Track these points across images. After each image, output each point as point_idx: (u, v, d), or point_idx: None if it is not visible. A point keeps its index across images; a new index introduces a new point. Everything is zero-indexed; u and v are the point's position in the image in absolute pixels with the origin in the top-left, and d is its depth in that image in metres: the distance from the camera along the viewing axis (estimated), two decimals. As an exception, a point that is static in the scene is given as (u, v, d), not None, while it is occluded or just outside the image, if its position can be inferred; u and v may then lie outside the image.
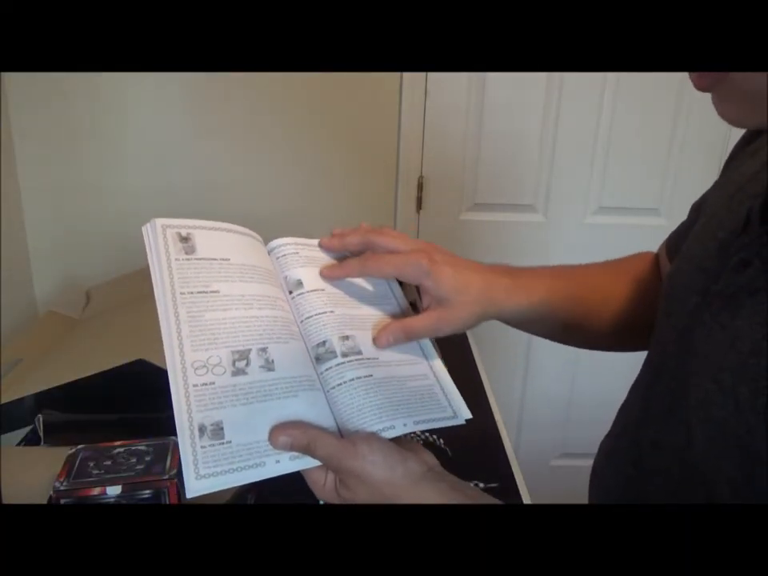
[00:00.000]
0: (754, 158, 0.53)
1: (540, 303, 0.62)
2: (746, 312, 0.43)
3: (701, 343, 0.47)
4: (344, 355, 0.54)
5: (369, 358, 0.55)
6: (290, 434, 0.49)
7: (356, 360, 0.54)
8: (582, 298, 0.66)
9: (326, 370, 0.53)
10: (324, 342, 0.54)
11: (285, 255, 0.61)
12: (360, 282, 0.62)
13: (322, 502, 0.79)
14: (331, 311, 0.57)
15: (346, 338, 0.55)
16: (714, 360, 0.44)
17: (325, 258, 0.62)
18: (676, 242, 0.64)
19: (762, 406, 0.39)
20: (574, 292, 0.65)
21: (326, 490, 0.54)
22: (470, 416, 0.56)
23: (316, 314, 0.56)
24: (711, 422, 0.44)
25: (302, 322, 0.56)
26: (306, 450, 0.50)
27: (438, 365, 0.59)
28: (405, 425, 0.52)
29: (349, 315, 0.57)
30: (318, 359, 0.54)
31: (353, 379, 0.52)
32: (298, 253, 0.61)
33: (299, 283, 0.58)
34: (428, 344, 0.60)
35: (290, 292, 0.58)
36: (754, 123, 0.43)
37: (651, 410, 0.53)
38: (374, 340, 0.57)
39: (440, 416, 0.55)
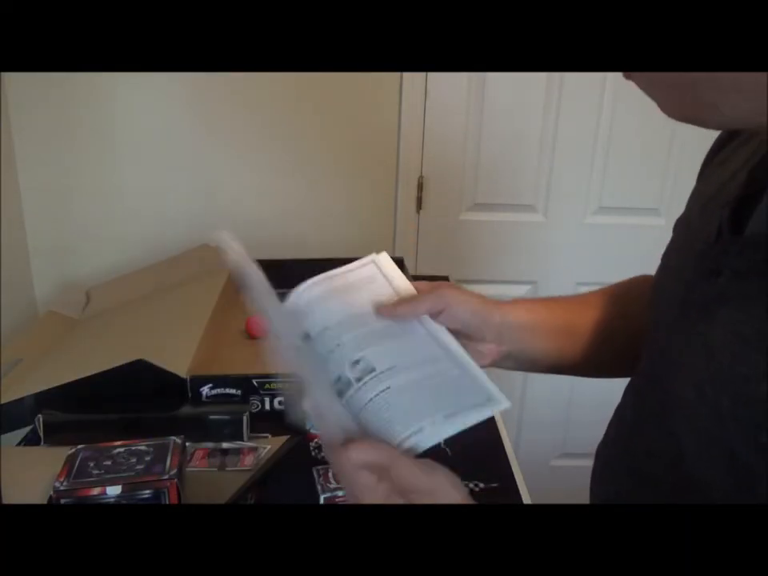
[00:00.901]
0: (723, 166, 0.54)
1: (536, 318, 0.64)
2: (719, 322, 0.43)
3: (682, 354, 0.47)
4: (358, 380, 0.53)
5: (384, 371, 0.53)
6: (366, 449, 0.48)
7: (370, 379, 0.53)
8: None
9: (347, 401, 0.53)
10: (339, 377, 0.54)
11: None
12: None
13: (322, 501, 0.79)
14: (337, 345, 0.56)
15: (356, 362, 0.54)
16: (694, 371, 0.45)
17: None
18: None
19: (742, 415, 0.40)
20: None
21: (377, 491, 0.52)
22: (508, 403, 0.52)
23: (327, 352, 0.56)
24: (698, 432, 0.44)
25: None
26: (382, 468, 0.50)
27: (461, 353, 0.56)
28: (433, 422, 0.51)
29: (356, 336, 0.57)
30: (340, 394, 0.54)
31: (371, 399, 0.51)
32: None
33: (306, 335, 0.59)
34: (444, 334, 0.58)
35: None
36: (689, 116, 0.45)
37: (643, 418, 0.53)
38: (378, 309, 0.58)
39: (472, 402, 0.53)
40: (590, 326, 0.67)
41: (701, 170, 0.60)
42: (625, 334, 0.65)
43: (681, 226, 0.58)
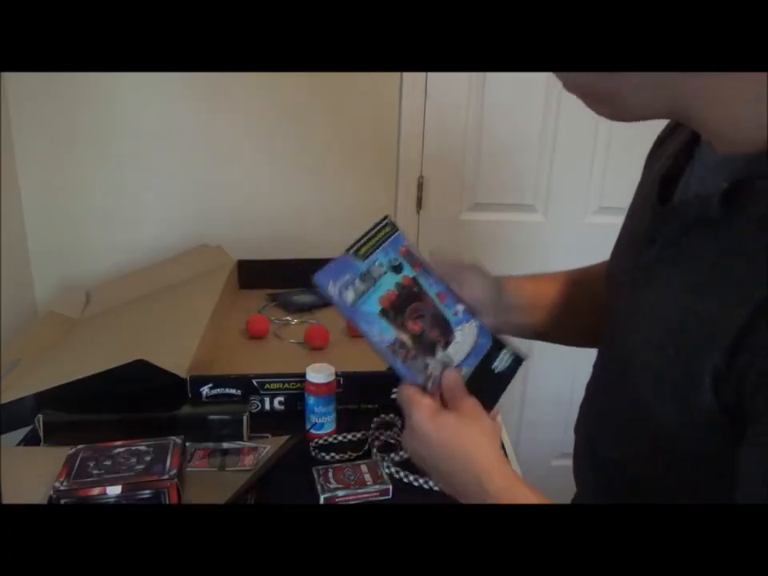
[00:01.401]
0: (661, 155, 0.62)
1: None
2: (659, 282, 0.52)
3: (632, 314, 0.56)
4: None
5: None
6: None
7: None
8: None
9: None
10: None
11: None
12: None
13: (322, 501, 0.79)
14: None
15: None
16: (643, 326, 0.53)
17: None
18: None
19: (684, 359, 0.48)
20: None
21: (428, 407, 0.60)
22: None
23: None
24: (651, 377, 0.52)
25: None
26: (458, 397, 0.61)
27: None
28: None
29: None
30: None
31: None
32: None
33: None
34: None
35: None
36: (611, 114, 0.54)
37: (607, 374, 0.63)
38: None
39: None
40: (560, 301, 0.78)
41: (646, 161, 0.68)
42: (590, 309, 0.73)
43: (629, 210, 0.67)
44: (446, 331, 0.66)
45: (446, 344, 0.66)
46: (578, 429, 0.71)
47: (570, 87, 0.56)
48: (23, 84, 1.50)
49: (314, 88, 1.58)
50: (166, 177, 1.62)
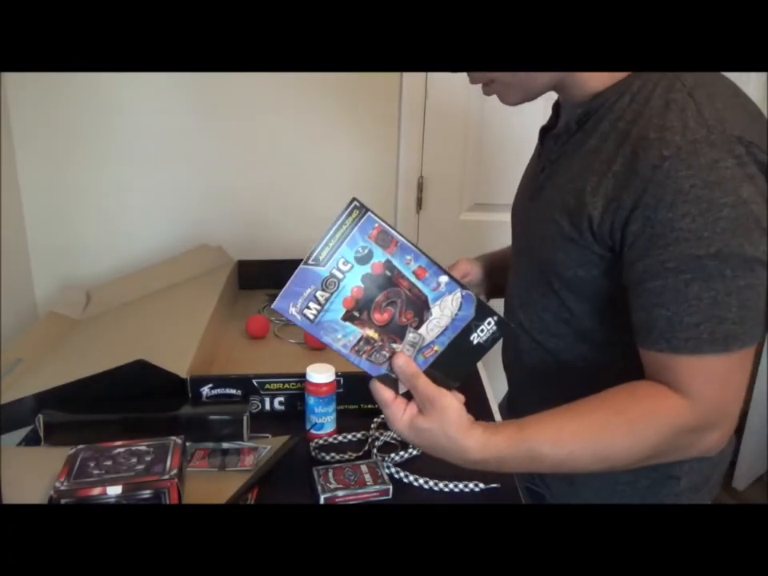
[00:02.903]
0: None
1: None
2: (549, 186, 0.78)
3: (523, 228, 0.86)
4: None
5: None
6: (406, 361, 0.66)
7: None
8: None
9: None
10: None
11: None
12: None
13: (322, 501, 0.79)
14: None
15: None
16: (528, 234, 0.83)
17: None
18: None
19: (561, 239, 0.73)
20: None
21: (402, 420, 0.67)
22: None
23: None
24: (554, 247, 0.75)
25: None
26: (411, 378, 0.66)
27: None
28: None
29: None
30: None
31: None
32: None
33: None
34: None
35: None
36: (523, 99, 0.78)
37: (512, 274, 0.89)
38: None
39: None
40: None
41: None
42: None
43: (524, 173, 0.94)
44: (420, 310, 0.66)
45: (420, 323, 0.66)
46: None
47: (478, 80, 0.78)
48: (23, 84, 1.50)
49: (314, 88, 1.58)
50: (166, 177, 1.62)
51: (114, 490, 0.71)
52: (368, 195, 1.68)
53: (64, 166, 1.58)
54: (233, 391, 0.98)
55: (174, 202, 1.64)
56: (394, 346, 0.66)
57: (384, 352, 0.66)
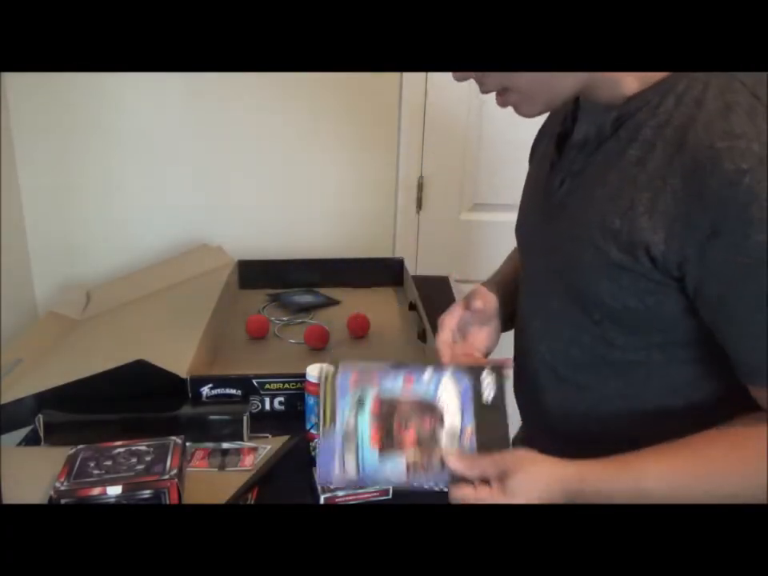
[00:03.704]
0: (542, 142, 0.83)
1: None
2: (575, 207, 0.68)
3: (537, 250, 0.76)
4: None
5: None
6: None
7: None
8: None
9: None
10: None
11: None
12: None
13: (322, 501, 0.79)
14: None
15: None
16: (575, 239, 0.67)
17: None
18: None
19: (604, 266, 0.64)
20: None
21: (495, 492, 0.62)
22: None
23: None
24: (592, 270, 0.66)
25: None
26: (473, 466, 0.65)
27: None
28: None
29: None
30: None
31: None
32: None
33: None
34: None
35: None
36: (540, 112, 0.69)
37: (524, 297, 0.81)
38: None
39: None
40: None
41: (530, 156, 0.89)
42: None
43: (525, 188, 0.85)
44: (431, 409, 0.69)
45: (441, 420, 0.68)
46: (525, 360, 0.80)
47: (501, 86, 0.69)
48: (23, 84, 1.50)
49: (314, 88, 1.58)
50: (166, 177, 1.62)
51: (114, 490, 0.71)
52: (368, 195, 1.68)
53: (64, 165, 1.58)
54: (233, 391, 0.98)
55: (174, 201, 1.64)
56: (439, 453, 0.67)
57: (435, 463, 0.67)
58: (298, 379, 0.97)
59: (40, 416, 0.90)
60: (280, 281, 1.45)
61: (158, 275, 1.44)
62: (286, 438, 0.92)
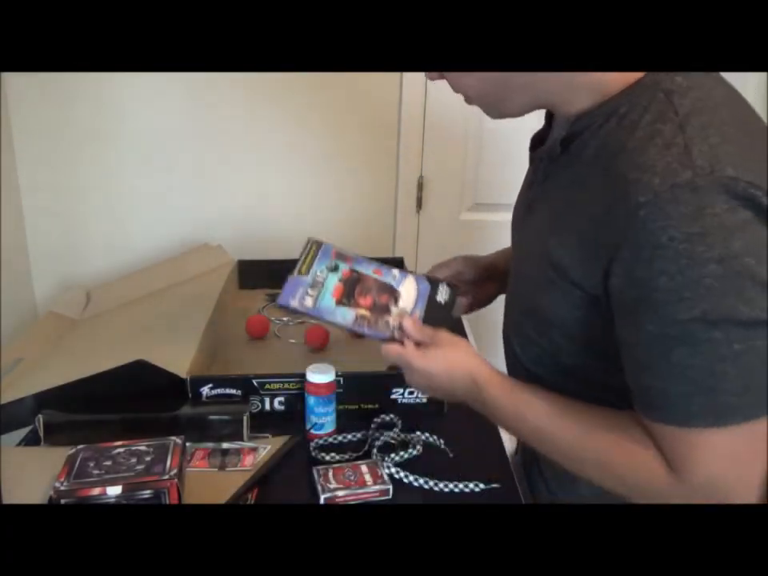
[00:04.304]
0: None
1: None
2: (536, 212, 0.73)
3: (526, 234, 0.76)
4: None
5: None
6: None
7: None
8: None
9: None
10: None
11: None
12: None
13: (322, 501, 0.79)
14: None
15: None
16: (530, 248, 0.72)
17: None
18: None
19: (543, 279, 0.66)
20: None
21: (416, 353, 0.74)
22: None
23: None
24: (526, 289, 0.73)
25: None
26: (422, 330, 0.77)
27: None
28: None
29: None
30: None
31: None
32: None
33: None
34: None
35: None
36: (494, 114, 0.74)
37: (509, 290, 0.81)
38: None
39: None
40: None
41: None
42: None
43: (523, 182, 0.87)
44: (392, 292, 0.84)
45: (396, 300, 0.83)
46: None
47: (458, 89, 0.72)
48: (23, 84, 1.50)
49: (314, 88, 1.58)
50: (166, 177, 1.62)
51: (114, 490, 0.71)
52: (368, 195, 1.68)
53: (64, 166, 1.58)
54: (233, 391, 0.98)
55: (174, 201, 1.64)
56: (386, 318, 0.81)
57: (380, 323, 0.80)
58: (297, 379, 0.97)
59: (40, 416, 0.90)
60: (280, 281, 1.45)
61: (158, 275, 1.44)
62: (286, 438, 0.92)
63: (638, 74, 0.61)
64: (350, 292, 0.83)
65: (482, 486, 0.84)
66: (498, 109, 0.71)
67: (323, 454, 0.89)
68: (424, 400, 1.00)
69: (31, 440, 0.93)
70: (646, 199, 0.54)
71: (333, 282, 0.83)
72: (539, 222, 0.71)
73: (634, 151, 0.57)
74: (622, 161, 0.57)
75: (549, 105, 0.70)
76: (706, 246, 0.52)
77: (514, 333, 0.78)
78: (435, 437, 0.94)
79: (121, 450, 0.77)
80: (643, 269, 0.55)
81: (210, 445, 0.90)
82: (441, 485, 0.84)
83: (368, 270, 0.86)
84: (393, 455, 0.88)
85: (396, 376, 0.99)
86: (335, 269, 0.85)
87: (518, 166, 1.76)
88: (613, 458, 0.63)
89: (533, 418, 0.68)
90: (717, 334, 0.54)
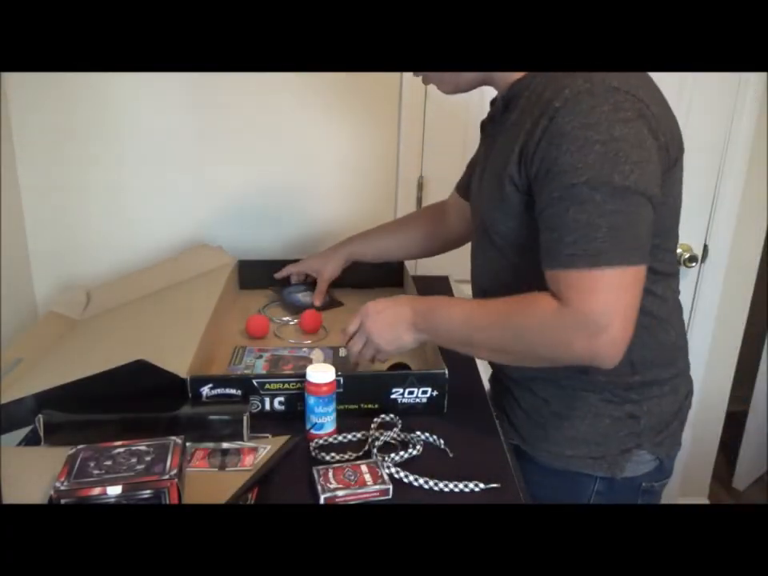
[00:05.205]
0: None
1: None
2: (488, 169, 0.92)
3: (478, 187, 0.98)
4: None
5: None
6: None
7: None
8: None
9: None
10: None
11: None
12: None
13: (322, 501, 0.79)
14: None
15: None
16: (479, 195, 0.97)
17: None
18: (463, 184, 1.26)
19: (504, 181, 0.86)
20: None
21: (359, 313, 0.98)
22: None
23: None
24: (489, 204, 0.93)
25: None
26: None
27: None
28: None
29: None
30: None
31: None
32: None
33: None
34: None
35: None
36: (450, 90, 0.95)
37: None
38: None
39: None
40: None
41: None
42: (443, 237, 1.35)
43: (471, 167, 1.17)
44: (305, 359, 1.13)
45: (311, 362, 1.10)
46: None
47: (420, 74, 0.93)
48: (23, 84, 1.50)
49: (313, 88, 1.58)
50: (166, 177, 1.62)
51: (114, 490, 0.71)
52: (368, 195, 1.68)
53: (64, 166, 1.58)
54: (233, 391, 0.98)
55: (174, 201, 1.64)
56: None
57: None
58: (297, 379, 0.97)
59: (40, 416, 0.90)
60: (280, 281, 1.45)
61: (158, 275, 1.44)
62: (286, 437, 0.92)
63: None
64: (274, 366, 1.11)
65: (481, 485, 0.84)
66: (454, 86, 0.92)
67: (323, 454, 0.89)
68: (424, 400, 1.00)
69: (31, 440, 0.93)
70: (560, 104, 0.75)
71: (260, 364, 1.11)
72: (490, 165, 0.90)
73: (557, 82, 0.76)
74: (549, 90, 0.77)
75: (490, 80, 0.91)
76: (595, 131, 0.73)
77: (477, 274, 1.00)
78: (435, 437, 0.94)
79: (121, 449, 0.77)
80: (552, 149, 0.75)
81: (210, 445, 0.90)
82: (441, 485, 0.84)
83: (285, 352, 1.15)
84: (393, 455, 0.88)
85: (396, 376, 1.00)
86: (259, 357, 1.14)
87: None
88: (524, 320, 0.80)
89: (461, 313, 0.86)
90: (597, 195, 0.73)
